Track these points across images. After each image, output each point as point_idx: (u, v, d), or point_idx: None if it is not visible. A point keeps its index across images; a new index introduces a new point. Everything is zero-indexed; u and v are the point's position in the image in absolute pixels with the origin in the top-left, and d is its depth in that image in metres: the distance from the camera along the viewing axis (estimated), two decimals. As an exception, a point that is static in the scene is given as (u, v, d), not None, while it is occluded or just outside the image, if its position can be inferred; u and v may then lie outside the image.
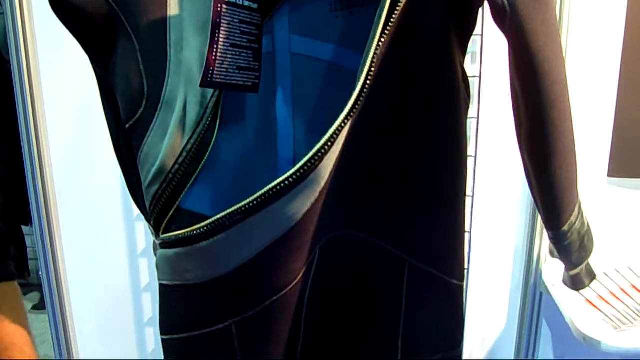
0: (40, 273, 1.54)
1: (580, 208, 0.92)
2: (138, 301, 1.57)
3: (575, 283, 0.99)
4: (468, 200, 0.96)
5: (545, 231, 1.41)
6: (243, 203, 0.72)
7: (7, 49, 1.98)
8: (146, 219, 1.02)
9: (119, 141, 0.95)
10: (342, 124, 0.70)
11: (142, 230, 1.51)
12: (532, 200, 1.39)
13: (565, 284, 1.00)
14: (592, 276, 0.99)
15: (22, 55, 1.39)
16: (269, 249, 0.76)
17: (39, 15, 1.38)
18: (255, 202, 0.72)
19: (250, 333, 0.84)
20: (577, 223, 0.91)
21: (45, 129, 1.43)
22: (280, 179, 0.71)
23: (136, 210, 1.49)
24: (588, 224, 0.96)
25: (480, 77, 1.34)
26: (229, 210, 0.73)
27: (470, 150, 1.31)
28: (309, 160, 0.70)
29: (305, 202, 0.74)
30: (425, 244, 0.87)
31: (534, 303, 1.49)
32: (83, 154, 1.48)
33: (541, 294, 1.48)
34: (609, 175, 1.45)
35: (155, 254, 1.08)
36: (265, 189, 0.71)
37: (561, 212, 0.89)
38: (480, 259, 1.50)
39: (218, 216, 0.74)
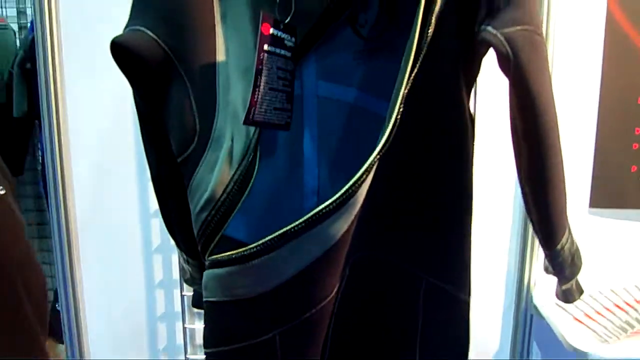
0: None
1: (569, 231, 1.05)
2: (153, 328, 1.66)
3: (567, 296, 1.11)
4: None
5: (533, 258, 1.55)
6: (293, 225, 0.84)
7: (23, 63, 2.09)
8: (179, 246, 1.14)
9: (159, 174, 1.07)
10: (377, 157, 0.82)
11: (160, 262, 1.60)
12: (522, 229, 1.53)
13: (558, 297, 1.12)
14: (581, 291, 1.12)
15: (51, 82, 1.49)
16: (312, 266, 0.88)
17: (68, 46, 1.49)
18: (304, 224, 0.84)
19: (292, 343, 0.95)
20: (567, 243, 1.04)
21: (69, 154, 1.54)
22: (326, 203, 0.83)
23: (155, 242, 1.59)
24: (577, 244, 1.09)
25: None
26: (281, 231, 0.85)
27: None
28: (350, 187, 0.82)
29: (344, 224, 0.85)
30: (439, 264, 0.99)
31: (525, 325, 1.61)
32: (105, 182, 1.58)
33: (532, 316, 1.60)
34: (590, 206, 1.58)
35: (186, 281, 1.20)
36: (313, 212, 0.83)
37: (555, 234, 1.02)
38: (475, 284, 1.61)
39: (271, 237, 0.86)
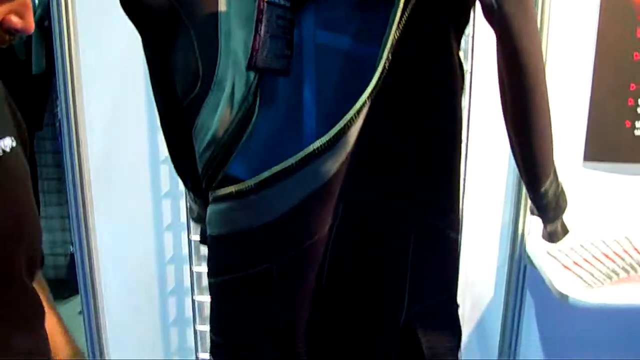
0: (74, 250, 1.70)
1: (555, 175, 1.11)
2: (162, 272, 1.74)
3: (552, 237, 1.17)
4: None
5: (527, 210, 1.60)
6: (288, 162, 0.92)
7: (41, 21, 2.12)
8: (186, 186, 1.22)
9: (166, 115, 1.14)
10: (367, 100, 0.88)
11: (168, 206, 1.67)
12: (517, 181, 1.58)
13: (544, 238, 1.18)
14: (565, 231, 1.18)
15: (65, 37, 1.56)
16: (305, 201, 0.95)
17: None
18: (297, 162, 0.91)
19: (288, 273, 1.02)
20: (552, 188, 1.10)
21: (82, 105, 1.61)
22: (317, 143, 0.90)
23: (164, 188, 1.66)
24: (562, 188, 1.14)
25: (471, 72, 1.53)
26: (276, 169, 0.92)
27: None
28: (340, 129, 0.89)
29: (335, 163, 0.92)
30: (429, 201, 1.05)
31: (519, 275, 1.67)
32: (117, 132, 1.66)
33: (525, 266, 1.66)
34: (585, 160, 1.63)
35: (194, 219, 1.27)
36: (305, 151, 0.91)
37: (538, 179, 1.08)
38: (471, 235, 1.67)
39: (267, 174, 0.93)
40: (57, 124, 2.69)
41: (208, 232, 1.06)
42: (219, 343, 1.16)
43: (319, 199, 0.96)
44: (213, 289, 1.12)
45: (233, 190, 0.97)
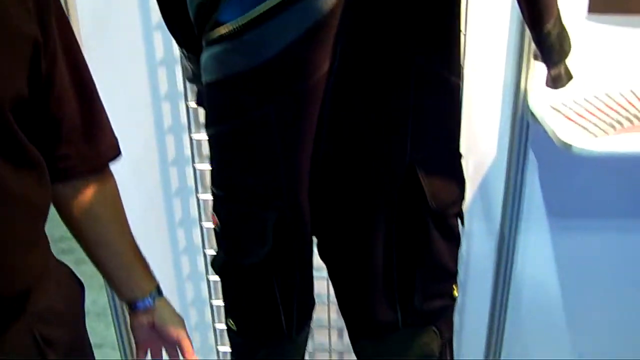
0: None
1: (559, 17, 1.08)
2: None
3: (556, 82, 1.15)
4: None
5: (530, 64, 1.57)
6: None
7: None
8: (179, 43, 1.19)
9: None
10: None
11: (164, 74, 1.63)
12: (519, 34, 1.54)
13: (548, 84, 1.16)
14: (569, 76, 1.15)
15: None
16: (301, 38, 0.93)
17: None
18: None
19: (287, 117, 1.01)
20: (556, 27, 1.07)
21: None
22: None
23: (158, 55, 1.62)
24: (566, 32, 1.11)
25: None
26: (270, 4, 0.89)
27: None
28: None
29: None
30: (429, 42, 1.03)
31: (522, 131, 1.65)
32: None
33: (528, 123, 1.65)
34: (589, 12, 1.59)
35: (189, 79, 1.25)
36: None
37: (541, 16, 1.04)
38: (473, 92, 1.65)
39: (261, 9, 0.90)
40: None
41: (204, 80, 1.04)
42: (220, 196, 1.16)
43: (315, 35, 0.93)
44: (212, 141, 1.11)
45: (227, 30, 0.95)
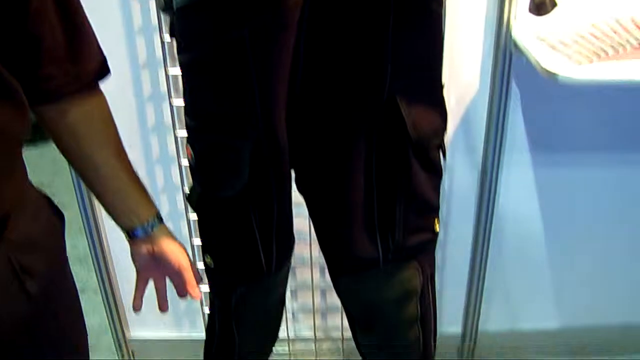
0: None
1: None
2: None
3: (540, 9, 1.12)
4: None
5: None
6: None
7: None
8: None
9: None
10: None
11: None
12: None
13: (532, 12, 1.12)
14: (554, 4, 1.12)
15: None
16: None
17: None
18: None
19: (262, 42, 0.97)
20: None
21: None
22: None
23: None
24: None
25: None
26: None
27: None
28: None
29: None
30: None
31: (505, 62, 1.62)
32: None
33: (511, 54, 1.61)
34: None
35: (162, 10, 1.20)
36: None
37: None
38: (454, 28, 1.60)
39: None
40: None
41: (176, 5, 1.00)
42: (194, 126, 1.13)
43: None
44: (185, 69, 1.08)
45: None
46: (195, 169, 1.18)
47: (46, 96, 0.93)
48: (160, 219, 1.11)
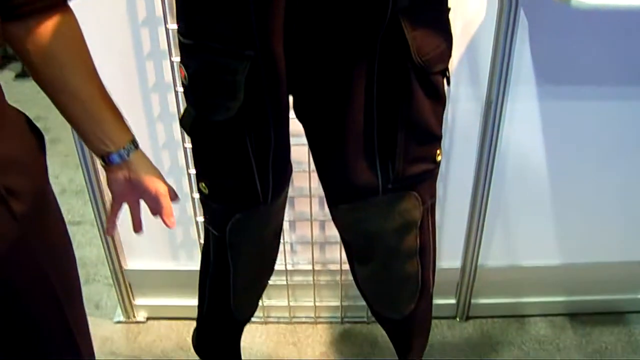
0: None
1: None
2: None
3: None
4: None
5: None
6: None
7: None
8: None
9: None
10: None
11: None
12: None
13: None
14: None
15: None
16: None
17: None
18: None
19: None
20: None
21: None
22: None
23: None
24: None
25: None
26: None
27: None
28: None
29: None
30: None
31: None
32: None
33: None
34: None
35: None
36: None
37: None
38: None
39: None
40: None
41: None
42: (188, 44, 1.09)
43: None
44: None
45: None
46: (188, 90, 1.14)
47: (13, 13, 0.89)
48: (136, 145, 1.08)
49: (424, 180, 1.26)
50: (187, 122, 1.19)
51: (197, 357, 1.71)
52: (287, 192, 1.35)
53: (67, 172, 2.58)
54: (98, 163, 1.73)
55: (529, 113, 1.76)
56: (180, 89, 1.65)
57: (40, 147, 0.97)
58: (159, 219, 1.14)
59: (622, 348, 2.03)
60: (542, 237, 2.01)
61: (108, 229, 1.17)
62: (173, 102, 1.72)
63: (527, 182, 1.89)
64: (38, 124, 0.98)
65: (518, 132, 1.79)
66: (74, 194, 2.55)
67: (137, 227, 1.18)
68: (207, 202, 1.30)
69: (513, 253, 2.04)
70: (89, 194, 1.85)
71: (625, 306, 2.17)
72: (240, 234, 1.30)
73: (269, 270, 1.51)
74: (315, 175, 1.67)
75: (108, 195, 1.82)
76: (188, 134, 1.22)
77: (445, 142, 1.77)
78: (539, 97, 1.75)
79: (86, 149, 1.72)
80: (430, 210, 1.33)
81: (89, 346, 1.12)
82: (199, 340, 1.65)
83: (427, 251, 1.34)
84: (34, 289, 0.94)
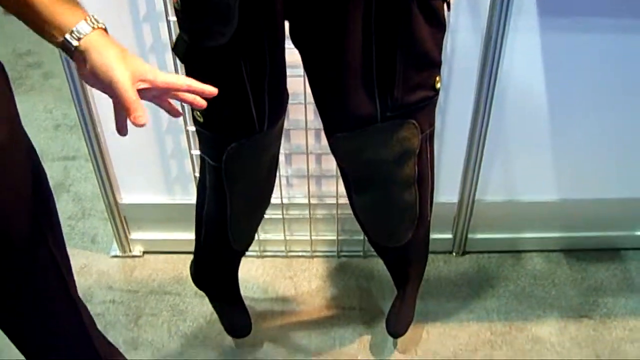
0: None
1: None
2: None
3: None
4: None
5: None
6: None
7: None
8: None
9: None
10: None
11: None
12: None
13: None
14: None
15: None
16: None
17: None
18: None
19: None
20: None
21: None
22: None
23: None
24: None
25: None
26: None
27: None
28: None
29: None
30: None
31: None
32: None
33: None
34: None
35: None
36: None
37: None
38: None
39: None
40: None
41: None
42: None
43: None
44: None
45: None
46: (181, 14, 1.11)
47: None
48: (94, 26, 0.92)
49: (422, 108, 1.24)
50: (181, 50, 1.16)
51: (194, 290, 1.71)
52: (283, 121, 1.33)
53: (61, 107, 2.55)
54: (91, 97, 1.71)
55: (531, 45, 1.73)
56: (173, 18, 1.61)
57: (8, 92, 0.94)
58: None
59: (617, 284, 2.04)
60: (540, 172, 1.99)
61: (118, 129, 0.99)
62: (170, 59, 1.68)
63: (525, 116, 1.86)
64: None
65: (518, 64, 1.75)
66: (68, 129, 2.52)
67: (119, 128, 0.98)
68: (202, 131, 1.28)
69: (511, 188, 2.03)
70: (82, 128, 1.83)
71: (621, 243, 2.17)
72: (237, 162, 1.28)
73: (265, 200, 1.50)
74: (311, 108, 1.65)
75: (101, 130, 1.81)
76: (182, 62, 1.20)
77: (443, 73, 1.73)
78: (541, 29, 1.71)
79: (78, 81, 1.69)
80: (429, 139, 1.31)
81: (65, 257, 1.10)
82: (197, 271, 1.65)
83: (425, 180, 1.33)
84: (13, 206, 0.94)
